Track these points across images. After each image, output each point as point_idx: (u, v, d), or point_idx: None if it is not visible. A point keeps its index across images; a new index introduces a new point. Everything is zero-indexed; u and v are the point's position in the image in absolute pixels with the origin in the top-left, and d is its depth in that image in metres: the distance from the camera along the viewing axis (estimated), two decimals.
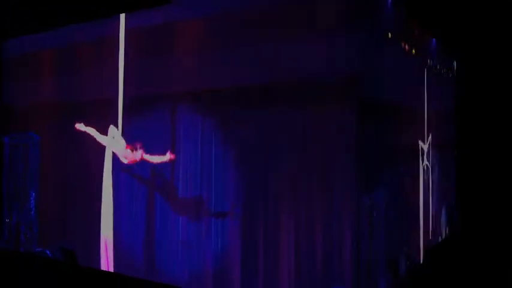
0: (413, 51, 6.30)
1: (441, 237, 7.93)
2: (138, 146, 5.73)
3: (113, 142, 6.14)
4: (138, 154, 5.74)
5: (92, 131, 6.19)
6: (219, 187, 5.30)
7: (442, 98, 8.15)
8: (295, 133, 4.74)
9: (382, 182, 5.10)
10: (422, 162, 6.79)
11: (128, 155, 5.85)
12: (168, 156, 5.55)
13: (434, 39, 7.40)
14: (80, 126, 6.20)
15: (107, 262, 6.26)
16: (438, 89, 7.81)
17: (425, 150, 6.91)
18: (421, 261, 6.68)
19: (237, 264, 5.17)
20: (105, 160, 6.28)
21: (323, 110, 4.57)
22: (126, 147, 5.90)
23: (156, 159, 5.67)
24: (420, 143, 6.76)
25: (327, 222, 4.60)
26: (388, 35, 5.29)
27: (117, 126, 6.15)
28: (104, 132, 6.15)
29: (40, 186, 7.07)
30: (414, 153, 6.35)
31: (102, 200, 6.27)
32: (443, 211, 8.06)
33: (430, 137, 7.19)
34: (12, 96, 7.37)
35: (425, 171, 6.87)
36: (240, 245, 5.15)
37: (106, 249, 6.29)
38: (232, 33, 5.14)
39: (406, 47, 5.98)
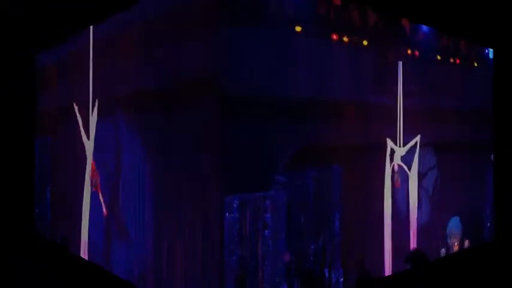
0: (365, 42, 5.77)
1: (446, 250, 7.01)
2: (95, 180, 6.31)
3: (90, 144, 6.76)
4: (94, 185, 6.33)
5: (79, 120, 6.86)
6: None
7: (456, 93, 7.21)
8: (172, 136, 4.80)
9: (278, 182, 4.81)
10: (391, 163, 6.11)
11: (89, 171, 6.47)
12: (104, 211, 6.03)
13: (426, 28, 6.62)
14: (76, 108, 6.91)
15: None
16: (443, 82, 6.96)
17: (401, 151, 6.20)
18: (386, 275, 6.04)
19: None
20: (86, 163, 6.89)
21: (194, 112, 4.54)
22: (92, 165, 6.48)
23: (101, 197, 6.19)
24: (390, 143, 6.12)
25: (198, 224, 4.55)
26: (296, 28, 4.98)
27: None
28: None
29: (53, 182, 8.04)
30: (359, 154, 5.78)
31: (83, 202, 6.86)
32: (453, 221, 7.12)
33: (418, 137, 6.43)
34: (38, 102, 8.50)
35: (400, 175, 6.17)
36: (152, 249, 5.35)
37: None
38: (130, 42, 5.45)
39: (345, 38, 5.52)
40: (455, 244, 7.16)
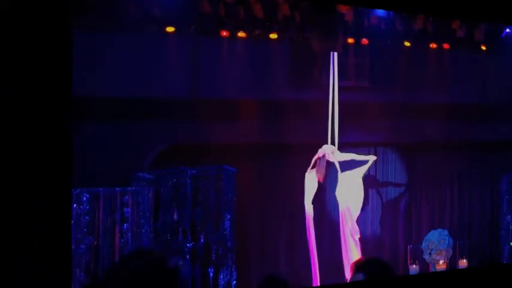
0: (273, 36, 5.44)
1: (422, 267, 6.01)
2: None
3: None
4: None
5: None
6: None
7: (441, 85, 6.16)
8: None
9: (141, 179, 4.95)
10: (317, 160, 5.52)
11: None
12: None
13: (382, 12, 5.83)
14: None
15: None
16: (414, 73, 6.05)
17: (330, 148, 5.52)
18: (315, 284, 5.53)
19: None
20: None
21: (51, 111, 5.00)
22: None
23: None
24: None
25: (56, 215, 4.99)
26: (167, 28, 5.06)
27: None
28: None
29: None
30: (266, 153, 5.42)
31: None
32: (435, 234, 6.07)
33: (373, 158, 5.65)
34: None
35: (324, 172, 5.50)
36: None
37: None
38: None
39: (240, 34, 5.32)
40: (441, 262, 6.08)
